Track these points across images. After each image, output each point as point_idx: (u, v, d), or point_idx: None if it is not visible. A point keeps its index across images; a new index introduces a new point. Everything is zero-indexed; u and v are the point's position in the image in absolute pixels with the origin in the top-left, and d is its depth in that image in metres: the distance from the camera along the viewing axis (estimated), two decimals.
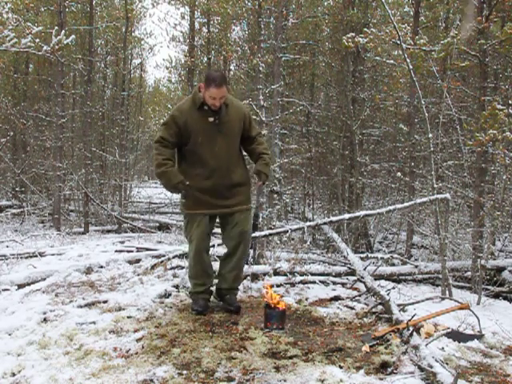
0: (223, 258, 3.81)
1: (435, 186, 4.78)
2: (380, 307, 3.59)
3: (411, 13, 9.86)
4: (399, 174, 7.73)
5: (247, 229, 3.61)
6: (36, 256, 5.81)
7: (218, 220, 3.73)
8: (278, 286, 4.32)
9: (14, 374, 2.57)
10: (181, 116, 3.44)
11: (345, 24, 9.56)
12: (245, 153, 3.77)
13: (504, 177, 5.50)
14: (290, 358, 2.73)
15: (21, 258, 5.73)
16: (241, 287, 4.26)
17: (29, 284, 4.32)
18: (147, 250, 5.81)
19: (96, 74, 14.94)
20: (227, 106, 3.49)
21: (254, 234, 3.93)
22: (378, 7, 10.26)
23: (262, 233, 5.00)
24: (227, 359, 2.68)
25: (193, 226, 3.54)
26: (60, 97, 10.70)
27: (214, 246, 5.02)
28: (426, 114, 4.92)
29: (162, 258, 5.03)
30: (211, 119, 3.42)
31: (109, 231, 11.53)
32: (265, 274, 4.57)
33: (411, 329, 2.91)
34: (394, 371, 2.57)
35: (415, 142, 8.68)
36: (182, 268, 4.73)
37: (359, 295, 4.11)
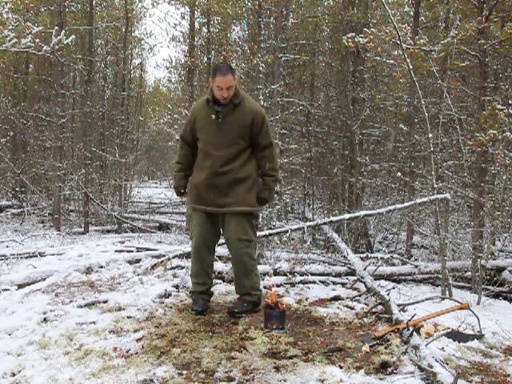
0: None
1: (435, 185, 4.79)
2: (380, 307, 3.58)
3: (411, 13, 9.87)
4: (399, 173, 7.74)
5: (244, 237, 3.43)
6: (36, 256, 5.80)
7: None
8: (278, 286, 4.32)
9: (14, 374, 2.57)
10: (193, 112, 3.57)
11: (345, 24, 9.56)
12: None
13: (504, 177, 5.50)
14: (290, 358, 2.73)
15: (21, 258, 5.72)
16: None
17: (29, 284, 4.31)
18: (147, 250, 5.79)
19: (96, 74, 14.95)
20: (237, 105, 3.39)
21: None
22: (378, 7, 10.26)
23: (262, 233, 5.00)
24: (227, 359, 2.68)
25: (193, 222, 3.58)
26: (60, 97, 10.70)
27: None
28: (426, 114, 4.92)
29: (162, 258, 5.02)
30: (213, 116, 3.42)
31: (109, 231, 11.55)
32: (265, 274, 4.57)
33: (411, 329, 2.91)
34: (394, 371, 2.57)
35: (415, 141, 8.68)
36: (182, 268, 4.73)
37: (359, 295, 4.11)
